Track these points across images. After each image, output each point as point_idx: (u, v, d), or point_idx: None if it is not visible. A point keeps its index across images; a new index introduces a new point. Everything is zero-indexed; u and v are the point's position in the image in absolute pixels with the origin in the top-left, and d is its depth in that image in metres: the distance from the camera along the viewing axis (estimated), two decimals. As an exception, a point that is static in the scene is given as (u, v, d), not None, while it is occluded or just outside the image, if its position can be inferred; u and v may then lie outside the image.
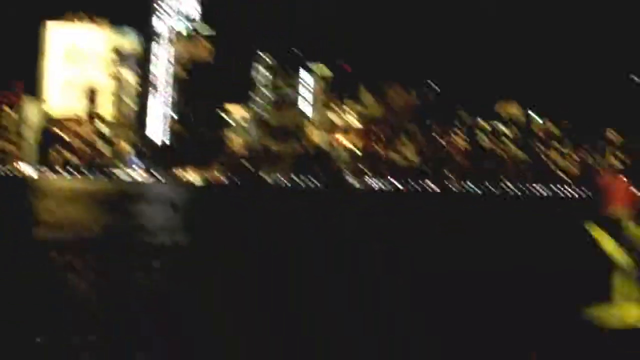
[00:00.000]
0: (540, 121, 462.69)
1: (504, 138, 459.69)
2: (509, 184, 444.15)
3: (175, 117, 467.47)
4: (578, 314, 7.66)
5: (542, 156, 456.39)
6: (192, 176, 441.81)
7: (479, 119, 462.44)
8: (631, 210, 6.25)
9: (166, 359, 9.34)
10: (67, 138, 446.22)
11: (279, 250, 30.23)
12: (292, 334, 10.27)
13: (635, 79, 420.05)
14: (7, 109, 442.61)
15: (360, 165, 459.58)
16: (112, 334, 10.23)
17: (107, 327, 10.66)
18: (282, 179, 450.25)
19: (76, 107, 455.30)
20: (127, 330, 10.49)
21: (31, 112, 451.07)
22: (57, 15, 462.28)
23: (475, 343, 10.17)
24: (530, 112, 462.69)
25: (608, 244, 6.10)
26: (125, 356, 9.41)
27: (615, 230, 6.20)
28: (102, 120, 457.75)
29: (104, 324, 10.66)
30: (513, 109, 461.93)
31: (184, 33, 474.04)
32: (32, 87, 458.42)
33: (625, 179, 6.59)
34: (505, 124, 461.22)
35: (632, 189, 6.47)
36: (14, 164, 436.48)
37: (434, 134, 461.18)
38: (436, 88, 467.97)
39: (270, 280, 15.54)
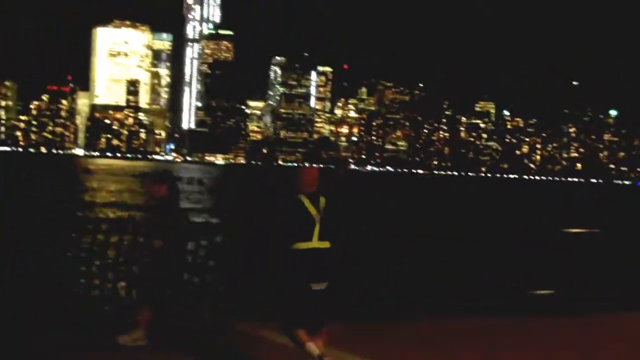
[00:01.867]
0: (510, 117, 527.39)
1: (479, 131, 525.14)
2: (483, 169, 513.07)
3: (202, 108, 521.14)
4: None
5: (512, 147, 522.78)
6: (217, 159, 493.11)
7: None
8: (316, 189, 9.34)
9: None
10: (111, 125, 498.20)
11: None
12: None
13: (574, 83, 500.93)
14: (61, 99, 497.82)
15: (359, 152, 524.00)
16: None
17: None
18: (293, 162, 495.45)
19: (119, 98, 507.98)
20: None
21: (81, 102, 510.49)
22: (106, 21, 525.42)
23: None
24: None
25: (309, 205, 8.98)
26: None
27: (312, 199, 8.78)
28: (141, 110, 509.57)
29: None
30: (488, 107, 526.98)
31: (209, 36, 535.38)
32: (83, 81, 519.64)
33: (315, 167, 10.33)
34: (481, 119, 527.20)
35: (317, 174, 9.55)
36: (67, 146, 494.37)
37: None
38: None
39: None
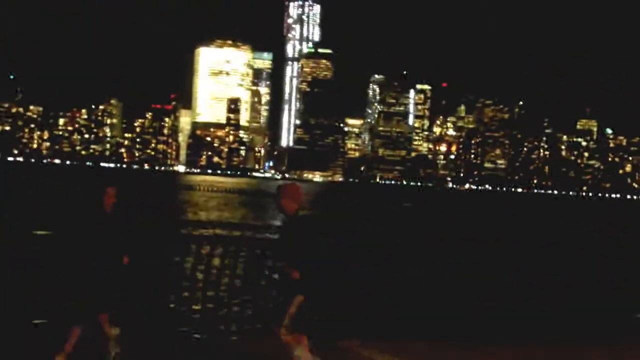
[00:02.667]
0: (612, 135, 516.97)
1: (581, 149, 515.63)
2: (584, 188, 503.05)
3: (301, 126, 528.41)
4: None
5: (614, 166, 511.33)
6: (315, 176, 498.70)
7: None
8: (300, 206, 9.38)
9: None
10: (212, 142, 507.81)
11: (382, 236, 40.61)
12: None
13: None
14: (164, 117, 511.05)
15: (457, 170, 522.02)
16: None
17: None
18: (391, 180, 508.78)
19: (220, 116, 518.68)
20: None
21: (183, 120, 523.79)
22: (208, 41, 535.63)
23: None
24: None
25: None
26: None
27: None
28: (241, 127, 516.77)
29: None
30: (590, 125, 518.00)
31: (308, 55, 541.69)
32: (185, 99, 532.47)
33: (297, 185, 9.96)
34: (583, 137, 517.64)
35: (300, 191, 9.46)
36: (169, 162, 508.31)
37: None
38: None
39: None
